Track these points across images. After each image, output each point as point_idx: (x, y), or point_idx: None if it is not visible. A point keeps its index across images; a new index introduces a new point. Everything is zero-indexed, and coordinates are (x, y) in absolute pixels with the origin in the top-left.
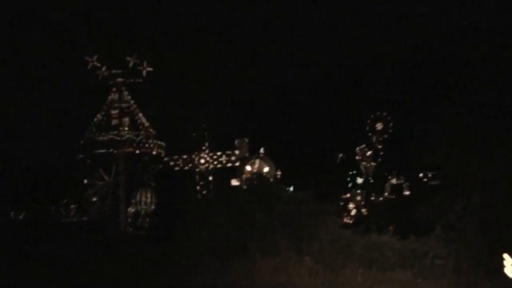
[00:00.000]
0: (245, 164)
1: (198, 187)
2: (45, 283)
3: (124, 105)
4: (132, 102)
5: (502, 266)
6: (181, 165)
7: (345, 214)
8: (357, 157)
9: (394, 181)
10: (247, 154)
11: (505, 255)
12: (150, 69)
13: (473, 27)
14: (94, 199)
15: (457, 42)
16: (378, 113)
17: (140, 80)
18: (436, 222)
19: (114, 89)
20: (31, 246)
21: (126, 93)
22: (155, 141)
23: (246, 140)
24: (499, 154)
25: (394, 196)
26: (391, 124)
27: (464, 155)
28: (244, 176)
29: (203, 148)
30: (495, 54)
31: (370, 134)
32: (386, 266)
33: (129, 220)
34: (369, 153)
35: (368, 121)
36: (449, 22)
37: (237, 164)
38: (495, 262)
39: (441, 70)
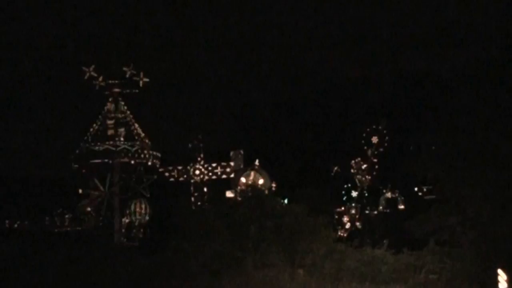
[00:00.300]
0: (240, 176)
1: (192, 199)
2: None
3: (120, 115)
4: (128, 112)
5: (496, 282)
6: (176, 176)
7: (339, 227)
8: (352, 170)
9: (389, 195)
10: (242, 166)
11: (499, 271)
12: (146, 79)
13: (470, 42)
14: (89, 209)
15: (453, 57)
16: (374, 126)
17: (137, 91)
18: (430, 236)
19: (110, 99)
20: (25, 255)
21: (122, 103)
22: (150, 152)
23: (241, 152)
24: (494, 169)
25: (388, 210)
26: (386, 138)
27: (459, 171)
28: (238, 188)
29: (198, 159)
30: (492, 70)
31: (365, 147)
32: (380, 280)
33: (123, 230)
34: (364, 166)
35: (364, 134)
36: (446, 36)
37: (232, 175)
38: (489, 278)
39: (437, 85)
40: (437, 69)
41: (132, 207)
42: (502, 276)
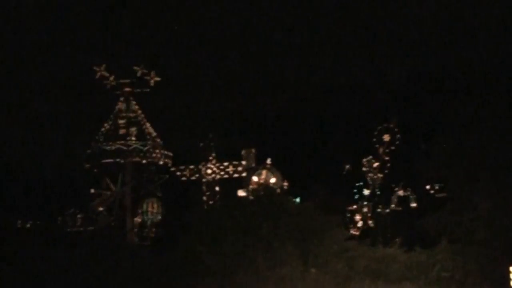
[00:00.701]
0: (252, 175)
1: (204, 198)
2: None
3: (131, 114)
4: (139, 111)
5: (508, 280)
6: (188, 175)
7: (352, 226)
8: (364, 169)
9: (401, 193)
10: (254, 165)
11: (511, 268)
12: (157, 79)
13: (478, 40)
14: (101, 208)
15: (463, 56)
16: (385, 124)
17: (148, 90)
18: (442, 234)
19: (121, 99)
20: (37, 255)
21: (133, 102)
22: (162, 151)
23: (253, 150)
24: (506, 167)
25: (400, 208)
26: (398, 136)
27: (471, 168)
28: (250, 186)
29: (210, 158)
30: (500, 70)
31: (377, 145)
32: (392, 278)
33: (136, 230)
34: (376, 164)
35: (375, 132)
36: (455, 35)
37: (244, 174)
38: (501, 276)
39: (449, 83)
40: (449, 69)
41: (144, 206)
42: None
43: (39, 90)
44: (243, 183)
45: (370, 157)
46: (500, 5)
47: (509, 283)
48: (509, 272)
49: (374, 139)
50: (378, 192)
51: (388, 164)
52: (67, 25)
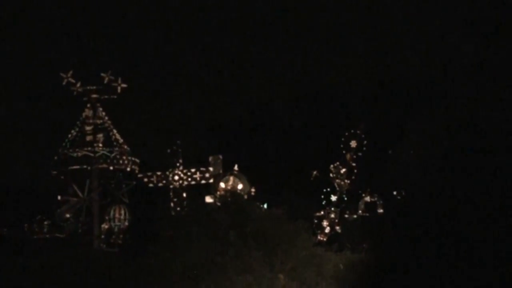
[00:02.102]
0: (219, 181)
1: (171, 204)
2: None
3: (98, 121)
4: (106, 118)
5: None
6: (155, 182)
7: (319, 231)
8: (331, 175)
9: (368, 199)
10: (221, 171)
11: None
12: (124, 85)
13: (450, 43)
14: (68, 215)
15: (430, 60)
16: (352, 130)
17: (115, 97)
18: None
19: (88, 105)
20: (3, 262)
21: (100, 109)
22: (129, 158)
23: (220, 157)
24: (473, 174)
25: (368, 214)
26: (365, 142)
27: (438, 175)
28: (218, 193)
29: (177, 165)
30: (471, 75)
31: (344, 151)
32: (360, 284)
33: (103, 236)
34: (343, 170)
35: (343, 138)
36: (424, 39)
37: (211, 181)
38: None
39: (415, 88)
40: (414, 71)
41: (112, 213)
42: None
43: (4, 96)
44: (211, 189)
45: (337, 163)
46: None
47: None
48: None
49: (342, 145)
50: (346, 198)
51: (355, 170)
52: (35, 31)
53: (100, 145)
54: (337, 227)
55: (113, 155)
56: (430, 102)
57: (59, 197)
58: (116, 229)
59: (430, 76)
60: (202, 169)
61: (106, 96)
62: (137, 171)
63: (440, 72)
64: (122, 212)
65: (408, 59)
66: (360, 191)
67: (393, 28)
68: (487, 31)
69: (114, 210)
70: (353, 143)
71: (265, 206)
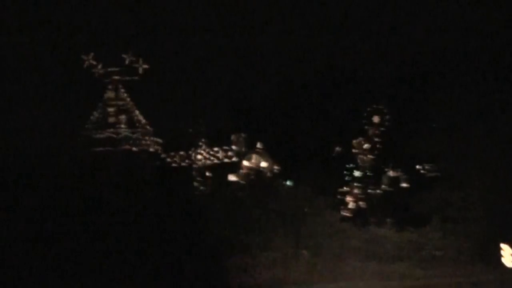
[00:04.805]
0: (242, 159)
1: (195, 184)
2: None
3: (120, 102)
4: (128, 99)
5: (501, 257)
6: (178, 162)
7: (343, 207)
8: (354, 150)
9: (391, 173)
10: (244, 149)
11: (503, 245)
12: (146, 66)
13: (471, 21)
14: None
15: (454, 35)
16: (375, 105)
17: (137, 78)
18: (434, 214)
19: (110, 87)
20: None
21: (122, 90)
22: (152, 138)
23: (243, 135)
24: (497, 144)
25: (392, 189)
26: (388, 117)
27: (462, 147)
28: (241, 171)
29: (200, 144)
30: (493, 49)
31: (367, 127)
32: (385, 258)
33: None
34: (366, 146)
35: (365, 114)
36: (446, 17)
37: (234, 159)
38: (493, 253)
39: (439, 62)
40: (439, 46)
41: None
42: (506, 251)
43: (26, 77)
44: (234, 168)
45: (360, 138)
46: None
47: (500, 260)
48: (500, 249)
49: (364, 121)
50: (369, 174)
51: (379, 145)
52: (54, 13)
53: (123, 126)
54: (361, 203)
55: (135, 136)
56: (455, 75)
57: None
58: None
59: (456, 49)
60: (225, 147)
61: (127, 77)
62: (160, 151)
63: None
64: None
65: (432, 34)
66: (383, 166)
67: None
68: None
69: None
70: (376, 118)
71: (289, 183)
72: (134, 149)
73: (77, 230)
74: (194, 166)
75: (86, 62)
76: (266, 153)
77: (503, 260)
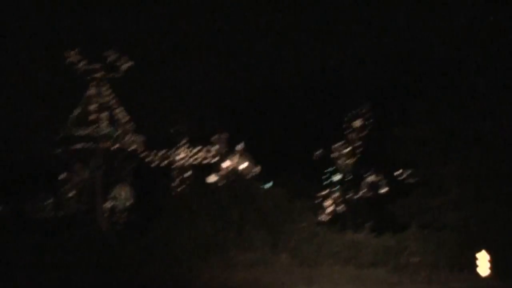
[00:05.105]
0: (223, 160)
1: (175, 183)
2: (21, 278)
3: (102, 100)
4: (110, 97)
5: (476, 264)
6: (159, 161)
7: (322, 211)
8: (333, 155)
9: (371, 178)
10: (225, 150)
11: (478, 254)
12: (128, 64)
13: (453, 27)
14: (71, 194)
15: (435, 40)
16: (357, 110)
17: (119, 75)
18: (412, 220)
19: (92, 84)
20: (6, 240)
21: (104, 88)
22: (133, 136)
23: (224, 136)
24: (475, 152)
25: (371, 194)
26: (369, 122)
27: (440, 153)
28: (222, 172)
29: (181, 143)
30: (475, 55)
31: (347, 131)
32: (362, 263)
33: (106, 215)
34: (346, 150)
35: (346, 118)
36: (429, 21)
37: (215, 160)
38: (470, 261)
39: (419, 68)
40: (421, 53)
41: (115, 191)
42: (481, 260)
43: (7, 73)
44: (214, 168)
45: (341, 142)
46: None
47: (475, 267)
48: (475, 258)
49: (345, 125)
50: (349, 178)
51: (359, 150)
52: (39, 10)
53: (105, 123)
54: (340, 207)
55: (117, 134)
56: (435, 81)
57: (62, 176)
58: (119, 208)
59: (434, 54)
60: (206, 148)
61: (110, 75)
62: (141, 150)
63: (444, 50)
64: (126, 191)
65: (413, 38)
66: (363, 171)
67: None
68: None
69: (118, 189)
70: (357, 123)
71: (269, 185)
72: (115, 146)
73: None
74: (175, 165)
75: (69, 59)
76: (247, 155)
77: (478, 269)
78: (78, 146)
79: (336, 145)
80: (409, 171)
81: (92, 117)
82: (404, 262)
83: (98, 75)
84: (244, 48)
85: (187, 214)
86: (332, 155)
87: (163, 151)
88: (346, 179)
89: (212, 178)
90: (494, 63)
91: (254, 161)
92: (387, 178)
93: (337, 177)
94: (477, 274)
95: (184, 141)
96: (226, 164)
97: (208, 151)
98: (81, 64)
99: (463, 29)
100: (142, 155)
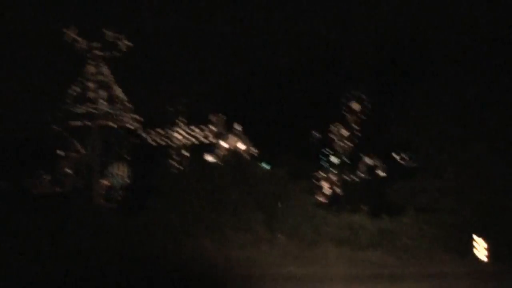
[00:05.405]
0: (220, 140)
1: (173, 162)
2: (17, 255)
3: (101, 78)
4: (109, 75)
5: (473, 248)
6: (157, 140)
7: (319, 193)
8: (331, 136)
9: (368, 161)
10: (222, 130)
11: (475, 237)
12: (128, 43)
13: (453, 11)
14: (68, 171)
15: (436, 22)
16: (355, 92)
17: (118, 54)
18: (409, 203)
19: (91, 62)
20: (3, 217)
21: (103, 66)
22: (131, 115)
23: (222, 116)
24: (474, 136)
25: (368, 176)
26: (367, 104)
27: (438, 137)
28: (219, 152)
29: (179, 123)
30: (474, 38)
31: (346, 113)
32: (359, 245)
33: (103, 192)
34: (344, 132)
35: (344, 100)
36: (430, 4)
37: (213, 140)
38: (467, 244)
39: (419, 51)
40: (420, 36)
41: (112, 169)
42: (478, 243)
43: (7, 51)
44: (211, 148)
45: (340, 125)
46: None
47: (472, 251)
48: (473, 240)
49: (344, 107)
50: (346, 160)
51: (357, 133)
52: None
53: (103, 102)
54: (338, 189)
55: (115, 112)
56: (433, 66)
57: (60, 153)
58: (116, 186)
59: (436, 37)
60: (203, 127)
61: (109, 53)
62: (139, 129)
63: (444, 36)
64: (123, 169)
65: (414, 19)
66: (361, 153)
67: None
68: None
69: (115, 167)
70: (355, 105)
71: (266, 166)
72: (113, 125)
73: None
74: (172, 145)
75: (69, 36)
76: (244, 135)
77: (475, 251)
78: (76, 123)
79: (334, 127)
80: (406, 154)
81: (90, 95)
82: (400, 245)
83: (97, 53)
84: (240, 31)
85: (184, 193)
86: (330, 137)
87: (161, 130)
88: (344, 161)
89: (210, 158)
90: (495, 48)
91: (251, 142)
92: (384, 161)
93: (335, 159)
94: (474, 258)
95: (182, 120)
96: (223, 144)
97: (206, 131)
98: (81, 42)
99: (465, 12)
100: (140, 133)
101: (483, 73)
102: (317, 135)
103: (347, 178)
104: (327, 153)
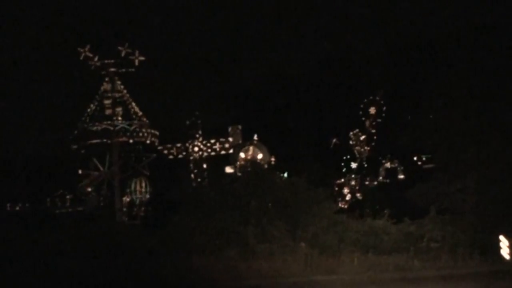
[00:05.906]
0: (239, 151)
1: (192, 175)
2: (42, 274)
3: (117, 94)
4: (125, 91)
5: (498, 248)
6: (175, 154)
7: (340, 199)
8: (350, 142)
9: (388, 165)
10: (240, 141)
11: (501, 237)
12: (142, 58)
13: (467, 13)
14: (89, 189)
15: (451, 27)
16: (371, 97)
17: (133, 70)
18: (431, 205)
19: (106, 79)
20: (27, 237)
21: (118, 82)
22: (148, 130)
23: (239, 127)
24: (493, 136)
25: (388, 180)
26: (384, 108)
27: (458, 138)
28: (238, 163)
29: (197, 136)
30: (490, 40)
31: (363, 118)
32: (382, 250)
33: (125, 209)
34: (362, 137)
35: (361, 105)
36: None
37: (231, 151)
38: (491, 245)
39: (435, 54)
40: (434, 36)
41: (133, 185)
42: (503, 242)
43: (23, 71)
44: (230, 159)
45: (357, 130)
46: None
47: (498, 251)
48: (498, 240)
49: (361, 112)
50: (366, 165)
51: (375, 137)
52: (52, 8)
53: (120, 118)
54: (358, 194)
55: (132, 128)
56: (448, 66)
57: (80, 171)
58: (137, 202)
59: (452, 41)
60: (221, 139)
61: (123, 70)
62: (156, 143)
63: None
64: (143, 184)
65: (429, 24)
66: (380, 158)
67: None
68: None
69: (135, 183)
70: (372, 110)
71: (285, 175)
72: (130, 141)
73: None
74: (191, 158)
75: (82, 55)
76: (263, 145)
77: (501, 251)
78: (95, 141)
79: (352, 133)
80: (426, 157)
81: (107, 112)
82: (424, 248)
83: (111, 70)
84: (256, 40)
85: (205, 206)
86: (349, 143)
87: (179, 144)
88: (363, 166)
89: (229, 170)
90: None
91: (269, 151)
92: (404, 164)
93: (354, 165)
94: (499, 257)
95: (199, 133)
96: (242, 155)
97: (224, 142)
98: (95, 59)
99: (477, 14)
100: (159, 148)
101: (499, 72)
102: (336, 141)
103: (368, 182)
104: (346, 158)
